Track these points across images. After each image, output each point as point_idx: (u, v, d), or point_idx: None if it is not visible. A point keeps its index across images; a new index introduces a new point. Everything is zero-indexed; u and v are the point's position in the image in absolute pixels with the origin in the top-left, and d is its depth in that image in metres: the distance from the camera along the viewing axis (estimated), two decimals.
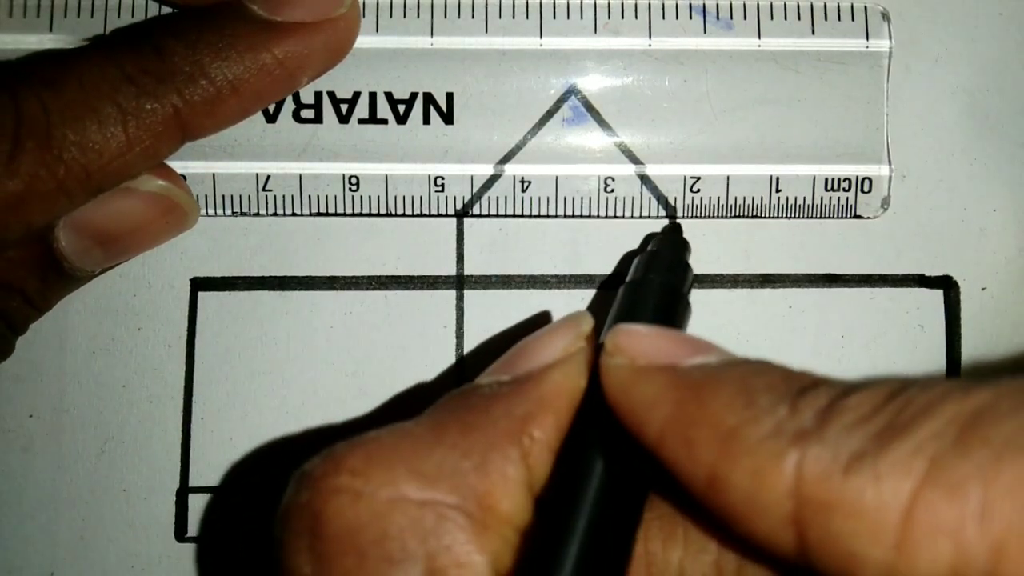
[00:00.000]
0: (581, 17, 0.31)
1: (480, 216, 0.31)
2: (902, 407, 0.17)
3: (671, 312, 0.26)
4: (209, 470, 0.31)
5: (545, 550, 0.19)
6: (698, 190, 0.31)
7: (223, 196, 0.31)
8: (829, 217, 0.31)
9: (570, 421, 0.21)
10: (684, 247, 0.29)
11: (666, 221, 0.31)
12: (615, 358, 0.21)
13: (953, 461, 0.16)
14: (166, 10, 0.30)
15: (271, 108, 0.30)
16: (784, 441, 0.17)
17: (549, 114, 0.31)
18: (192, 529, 0.31)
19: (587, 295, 0.32)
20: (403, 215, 0.31)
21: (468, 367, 0.31)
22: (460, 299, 0.31)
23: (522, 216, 0.31)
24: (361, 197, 0.31)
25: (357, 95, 0.30)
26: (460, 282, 0.32)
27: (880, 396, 0.17)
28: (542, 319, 0.31)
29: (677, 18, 0.31)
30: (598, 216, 0.31)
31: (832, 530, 0.16)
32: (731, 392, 0.18)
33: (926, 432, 0.16)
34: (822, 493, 0.16)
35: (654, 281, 0.27)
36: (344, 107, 0.30)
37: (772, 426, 0.17)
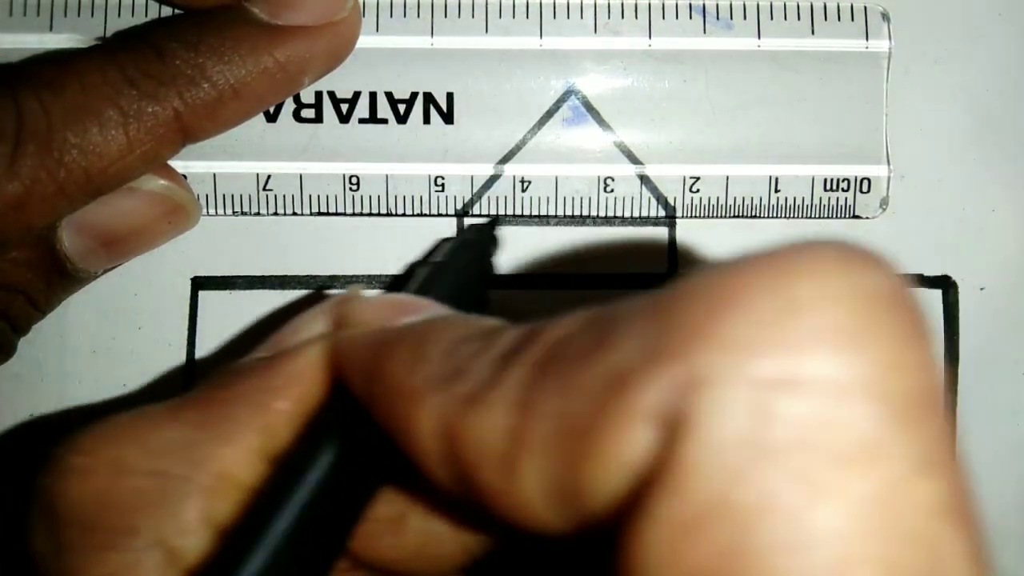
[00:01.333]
0: (581, 17, 0.31)
1: (480, 216, 0.32)
2: (523, 339, 0.17)
3: (461, 295, 0.26)
4: None
5: (255, 520, 0.19)
6: (698, 190, 0.31)
7: (224, 196, 0.31)
8: (828, 217, 0.32)
9: (322, 389, 0.21)
10: (493, 241, 0.29)
11: (664, 221, 0.32)
12: (343, 328, 0.21)
13: (539, 383, 0.16)
14: (167, 10, 0.30)
15: (271, 108, 0.30)
16: (430, 385, 0.17)
17: (549, 114, 0.31)
18: None
19: (587, 294, 0.32)
20: (403, 215, 0.31)
21: None
22: None
23: (522, 216, 0.32)
24: (361, 197, 0.31)
25: (357, 95, 0.31)
26: None
27: (518, 332, 0.18)
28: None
29: (677, 18, 0.31)
30: (598, 216, 0.32)
31: (465, 464, 0.17)
32: (406, 346, 0.19)
33: (528, 358, 0.16)
34: (453, 429, 0.17)
35: (449, 264, 0.27)
36: (344, 107, 0.31)
37: (426, 373, 0.18)
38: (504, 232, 0.32)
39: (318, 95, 0.31)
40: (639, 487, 0.14)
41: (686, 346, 0.14)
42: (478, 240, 0.29)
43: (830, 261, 0.14)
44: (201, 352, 0.32)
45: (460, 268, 0.27)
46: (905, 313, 0.15)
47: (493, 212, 0.31)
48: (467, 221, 0.32)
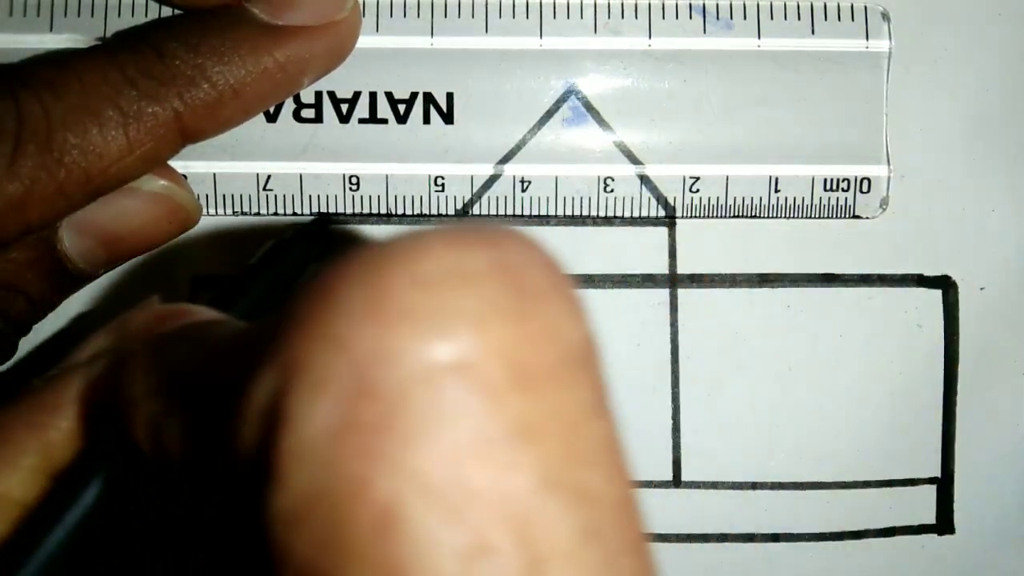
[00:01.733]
0: (581, 17, 0.31)
1: (480, 216, 0.32)
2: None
3: (261, 299, 0.27)
4: None
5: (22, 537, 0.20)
6: (697, 190, 0.31)
7: (224, 196, 0.31)
8: (828, 217, 0.32)
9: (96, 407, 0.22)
10: (311, 242, 0.29)
11: (664, 221, 0.32)
12: (121, 343, 0.23)
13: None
14: (167, 11, 0.30)
15: (271, 108, 0.30)
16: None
17: (549, 114, 0.31)
18: None
19: (587, 294, 0.32)
20: (403, 215, 0.31)
21: None
22: None
23: (522, 216, 0.32)
24: (361, 197, 0.31)
25: (357, 95, 0.31)
26: None
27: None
28: None
29: (677, 18, 0.31)
30: (597, 216, 0.32)
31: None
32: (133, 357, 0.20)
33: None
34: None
35: (255, 268, 0.27)
36: (344, 107, 0.31)
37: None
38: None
39: (318, 95, 0.31)
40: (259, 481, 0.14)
41: (286, 342, 0.14)
42: (293, 239, 0.29)
43: (423, 246, 0.14)
44: None
45: (272, 271, 0.27)
46: (488, 287, 0.14)
47: (493, 212, 0.31)
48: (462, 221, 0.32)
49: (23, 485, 0.20)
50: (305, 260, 0.28)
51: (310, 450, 0.13)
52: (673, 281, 0.32)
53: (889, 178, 0.31)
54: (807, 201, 0.31)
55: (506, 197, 0.31)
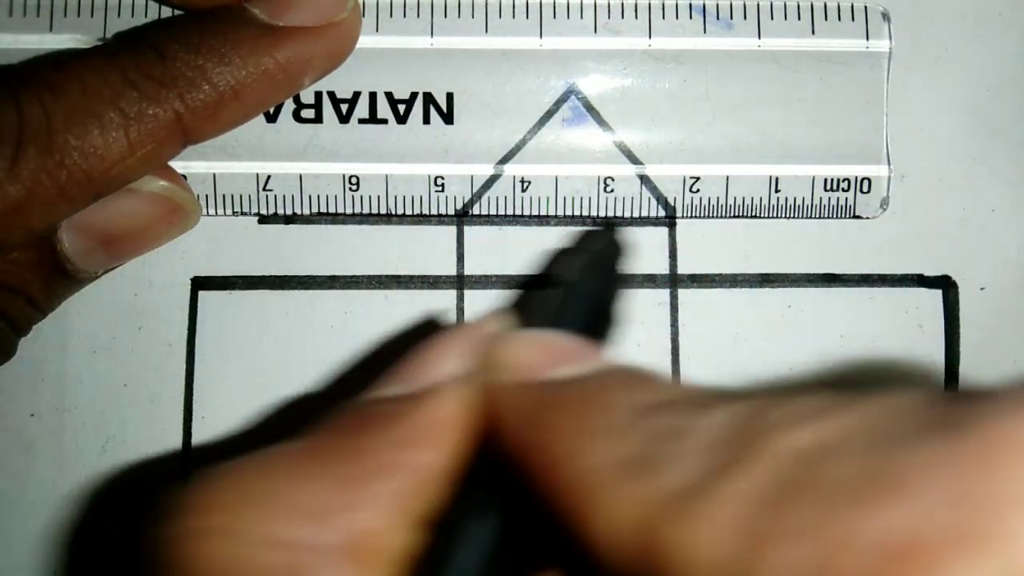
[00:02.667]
0: (581, 17, 0.31)
1: (480, 216, 0.32)
2: (753, 431, 0.15)
3: (595, 322, 0.24)
4: None
5: None
6: (698, 190, 0.32)
7: (223, 196, 0.31)
8: (828, 217, 0.32)
9: (472, 439, 0.19)
10: (621, 252, 0.27)
11: (664, 221, 0.32)
12: (492, 372, 0.19)
13: (783, 508, 0.13)
14: (167, 11, 0.30)
15: (271, 108, 0.31)
16: (615, 472, 0.15)
17: (549, 114, 0.31)
18: None
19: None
20: (403, 215, 0.32)
21: None
22: (460, 299, 0.32)
23: (522, 216, 0.32)
24: (361, 197, 0.31)
25: (357, 95, 0.31)
26: (460, 282, 0.32)
27: (737, 414, 0.15)
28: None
29: (677, 18, 0.31)
30: (597, 216, 0.32)
31: (666, 572, 0.14)
32: (574, 411, 0.17)
33: (767, 468, 0.14)
34: (652, 535, 0.14)
35: (583, 285, 0.24)
36: (344, 107, 0.31)
37: (606, 453, 0.16)
38: (504, 232, 0.32)
39: (318, 95, 0.31)
40: None
41: (1005, 530, 0.12)
42: (605, 250, 0.27)
43: None
44: (201, 352, 0.32)
45: (592, 286, 0.24)
46: None
47: (493, 212, 0.32)
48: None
49: (387, 531, 0.18)
50: (616, 270, 0.26)
51: None
52: (673, 281, 0.32)
53: (889, 178, 0.32)
54: (807, 201, 0.32)
55: (506, 197, 0.31)
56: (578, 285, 0.24)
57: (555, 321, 0.22)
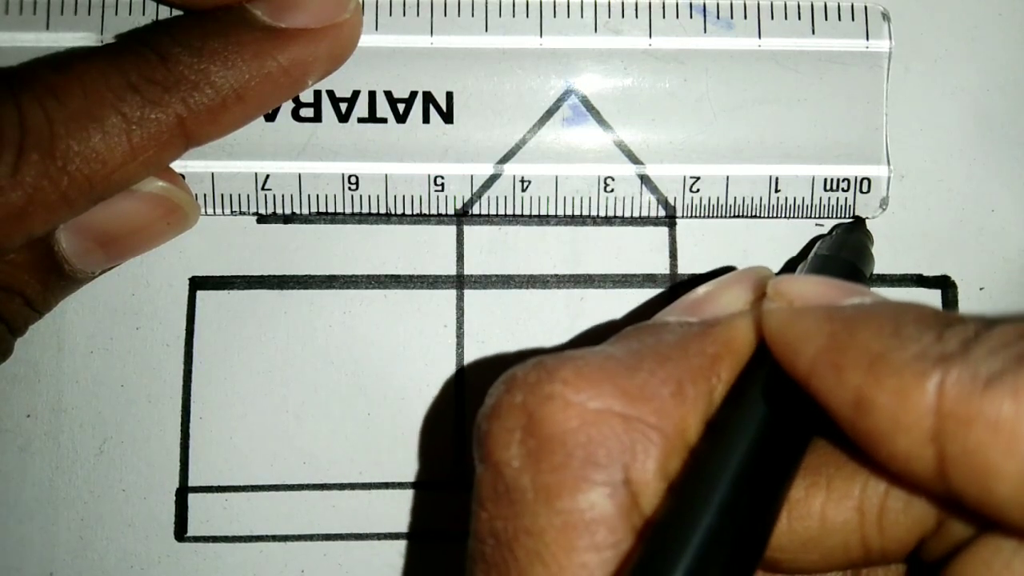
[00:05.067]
0: (581, 17, 0.32)
1: (480, 215, 0.32)
2: None
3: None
4: (208, 469, 0.32)
5: (705, 480, 0.21)
6: (698, 190, 0.32)
7: (222, 195, 0.31)
8: (828, 217, 0.32)
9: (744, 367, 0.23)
10: (868, 237, 0.31)
11: (664, 221, 0.32)
12: (774, 302, 0.23)
13: None
14: (165, 9, 0.30)
15: None
16: (928, 363, 0.18)
17: (549, 113, 0.32)
18: (192, 529, 0.32)
19: (587, 294, 0.32)
20: (403, 215, 0.32)
21: (468, 366, 0.32)
22: (460, 298, 0.32)
23: (522, 215, 0.32)
24: (361, 196, 0.32)
25: (356, 94, 0.31)
26: (460, 281, 0.32)
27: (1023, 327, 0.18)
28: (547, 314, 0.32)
29: (677, 18, 0.32)
30: (598, 216, 0.32)
31: (970, 444, 0.18)
32: (880, 323, 0.20)
33: None
34: (962, 409, 0.18)
35: (836, 258, 0.29)
36: (343, 106, 0.31)
37: (917, 350, 0.19)
38: (504, 231, 0.32)
39: (317, 94, 0.31)
40: None
41: None
42: (855, 236, 0.30)
43: None
44: (199, 352, 0.32)
45: (845, 260, 0.29)
46: None
47: (493, 212, 0.32)
48: (467, 225, 0.32)
49: (694, 426, 0.22)
50: (867, 253, 0.30)
51: None
52: (673, 281, 0.33)
53: (889, 178, 0.32)
54: (807, 201, 0.32)
55: (506, 197, 0.32)
56: (832, 258, 0.29)
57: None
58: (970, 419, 0.18)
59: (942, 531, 0.21)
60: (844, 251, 0.29)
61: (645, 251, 0.33)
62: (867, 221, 0.32)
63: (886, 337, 0.19)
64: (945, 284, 0.33)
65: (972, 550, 0.20)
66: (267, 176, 0.31)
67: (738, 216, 0.32)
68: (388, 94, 0.31)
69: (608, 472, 0.20)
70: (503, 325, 0.32)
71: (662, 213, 0.32)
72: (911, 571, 0.23)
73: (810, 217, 0.32)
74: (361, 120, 0.31)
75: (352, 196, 0.32)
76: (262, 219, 0.32)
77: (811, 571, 0.23)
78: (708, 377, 0.22)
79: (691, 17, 0.32)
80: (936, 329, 0.19)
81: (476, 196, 0.32)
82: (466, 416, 0.32)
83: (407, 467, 0.32)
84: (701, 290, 0.25)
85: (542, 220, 0.32)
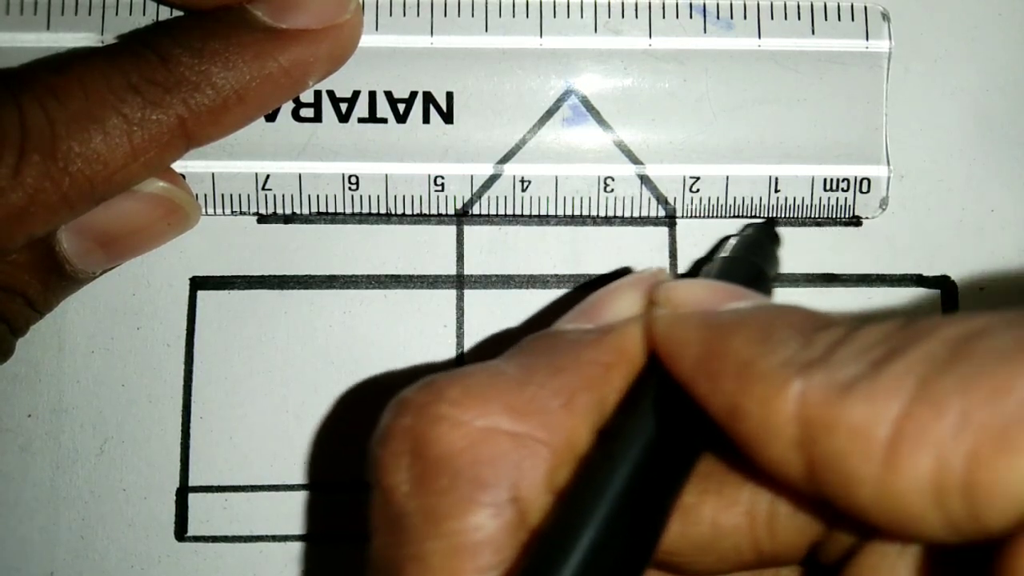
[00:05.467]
0: (581, 17, 0.32)
1: (480, 216, 0.32)
2: (904, 334, 0.18)
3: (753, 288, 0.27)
4: (209, 469, 0.32)
5: (590, 488, 0.21)
6: (697, 190, 0.32)
7: (222, 195, 0.32)
8: (828, 217, 0.32)
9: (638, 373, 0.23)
10: (776, 239, 0.31)
11: (664, 221, 0.32)
12: (662, 308, 0.23)
13: (938, 377, 0.17)
14: (165, 9, 0.30)
15: None
16: (792, 369, 0.19)
17: (549, 114, 0.32)
18: (192, 529, 0.32)
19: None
20: (403, 215, 0.32)
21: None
22: (460, 298, 0.32)
23: (522, 215, 0.32)
24: (361, 196, 0.32)
25: (357, 94, 0.31)
26: (460, 281, 0.32)
27: (889, 327, 0.19)
28: (550, 312, 0.33)
29: (677, 18, 0.32)
30: (598, 216, 0.32)
31: (831, 450, 0.18)
32: (752, 329, 0.20)
33: (919, 354, 0.17)
34: (822, 415, 0.18)
35: (740, 260, 0.29)
36: (344, 106, 0.31)
37: (783, 357, 0.19)
38: (504, 231, 0.33)
39: (317, 94, 0.31)
40: None
41: None
42: (762, 238, 0.30)
43: None
44: (200, 352, 0.32)
45: (749, 263, 0.28)
46: None
47: (493, 212, 0.32)
48: (467, 223, 0.32)
49: (583, 436, 0.22)
50: (772, 255, 0.30)
51: None
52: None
53: (889, 178, 0.32)
54: (807, 201, 0.32)
55: (506, 197, 0.32)
56: (736, 260, 0.29)
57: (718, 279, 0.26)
58: (830, 426, 0.18)
59: (832, 536, 0.21)
60: (749, 252, 0.29)
61: (645, 251, 0.33)
62: (866, 221, 0.32)
63: (755, 344, 0.19)
64: (945, 284, 0.33)
65: (862, 555, 0.21)
66: (267, 176, 0.31)
67: (738, 216, 0.32)
68: (388, 94, 0.31)
69: (495, 492, 0.20)
70: (503, 325, 0.32)
71: (662, 213, 0.32)
72: (810, 573, 0.23)
73: (810, 217, 0.32)
74: (361, 120, 0.31)
75: (352, 196, 0.32)
76: (262, 219, 0.32)
77: (709, 572, 0.23)
78: (600, 386, 0.22)
79: (691, 17, 0.32)
80: (805, 334, 0.19)
81: (476, 196, 0.32)
82: None
83: None
84: (597, 295, 0.25)
85: (542, 220, 0.33)
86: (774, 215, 0.32)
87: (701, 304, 0.22)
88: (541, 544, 0.20)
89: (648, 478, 0.21)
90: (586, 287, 0.32)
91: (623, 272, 0.32)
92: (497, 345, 0.32)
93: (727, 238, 0.32)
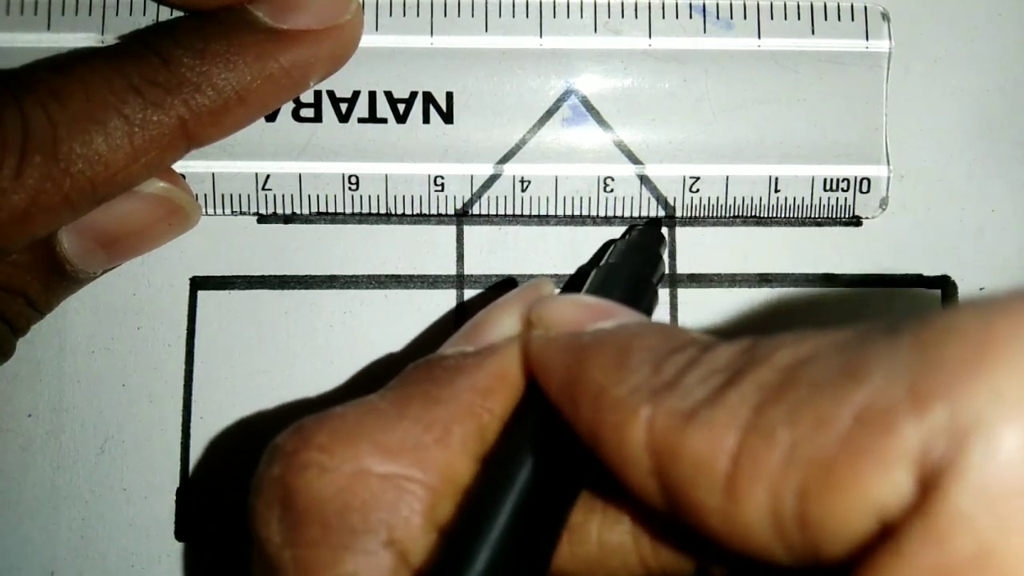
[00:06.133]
0: (581, 17, 0.32)
1: (480, 215, 0.32)
2: (747, 358, 0.18)
3: (635, 296, 0.27)
4: (209, 469, 0.32)
5: (474, 521, 0.20)
6: (697, 190, 0.32)
7: (223, 195, 0.32)
8: (828, 217, 0.33)
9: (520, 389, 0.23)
10: (660, 241, 0.31)
11: (664, 221, 0.33)
12: (537, 328, 0.22)
13: (770, 407, 0.17)
14: (165, 9, 0.31)
15: None
16: (642, 396, 0.18)
17: (549, 114, 0.32)
18: (192, 529, 0.32)
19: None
20: (403, 215, 0.32)
21: None
22: (460, 299, 0.33)
23: (522, 215, 0.32)
24: (361, 196, 0.32)
25: (357, 94, 0.31)
26: (460, 281, 0.33)
27: (736, 349, 0.18)
28: (507, 285, 0.33)
29: (677, 18, 0.32)
30: (597, 216, 0.32)
31: (679, 479, 0.17)
32: (607, 354, 0.20)
33: (756, 380, 0.17)
34: (668, 443, 0.17)
35: (623, 266, 0.28)
36: (344, 106, 0.31)
37: (634, 383, 0.19)
38: (504, 231, 0.33)
39: (317, 94, 0.31)
40: (884, 529, 0.15)
41: (954, 388, 0.14)
42: (645, 240, 0.30)
43: None
44: (200, 352, 0.32)
45: (632, 269, 0.28)
46: None
47: (493, 212, 0.32)
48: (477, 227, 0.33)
49: (463, 467, 0.21)
50: (656, 257, 0.30)
51: (986, 509, 0.14)
52: (673, 281, 0.33)
53: (889, 178, 0.32)
54: (807, 201, 0.32)
55: (506, 197, 0.32)
56: (618, 266, 0.29)
57: (597, 292, 0.26)
58: (676, 455, 0.17)
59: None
60: (632, 257, 0.29)
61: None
62: (866, 221, 0.32)
63: (611, 369, 0.19)
64: (945, 284, 0.33)
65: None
66: (267, 176, 0.32)
67: (738, 216, 0.32)
68: (388, 94, 0.31)
69: (367, 538, 0.20)
70: None
71: (662, 213, 0.32)
72: None
73: (810, 217, 0.32)
74: (361, 120, 0.31)
75: (352, 196, 0.32)
76: (262, 219, 0.33)
77: None
78: (479, 414, 0.22)
79: (691, 17, 0.32)
80: (658, 358, 0.19)
81: (476, 196, 0.32)
82: None
83: None
84: (479, 316, 0.24)
85: (542, 220, 0.33)
86: (774, 215, 0.32)
87: (570, 324, 0.22)
88: None
89: (534, 506, 0.20)
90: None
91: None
92: None
93: (612, 242, 0.32)
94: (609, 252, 0.30)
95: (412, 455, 0.21)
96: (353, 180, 0.32)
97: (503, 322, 0.23)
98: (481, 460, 0.22)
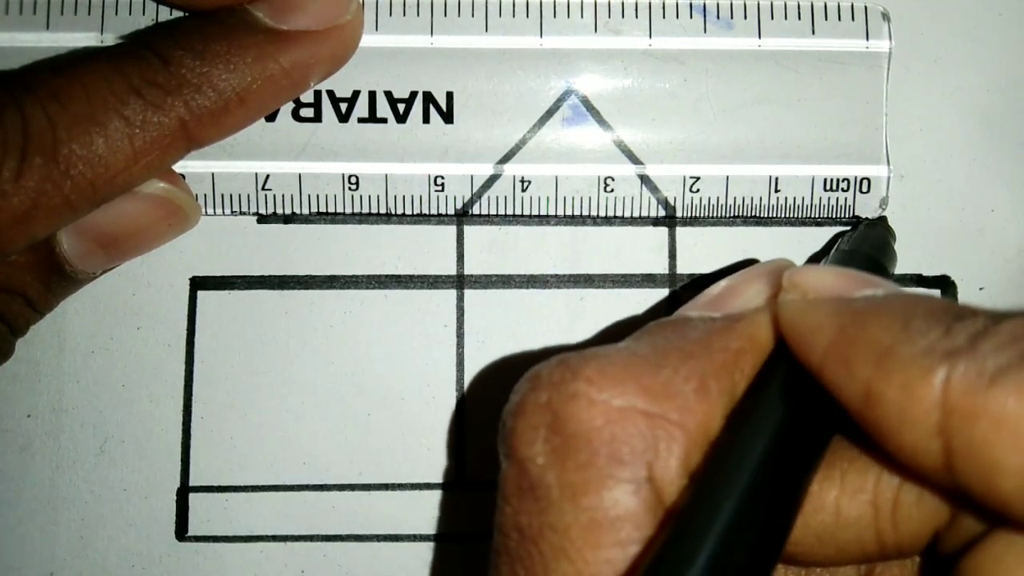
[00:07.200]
0: (581, 17, 0.32)
1: (480, 215, 0.33)
2: None
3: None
4: (209, 469, 0.32)
5: (725, 471, 0.21)
6: (697, 190, 0.32)
7: (222, 195, 0.32)
8: (828, 217, 0.33)
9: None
10: (891, 234, 0.32)
11: (664, 221, 0.33)
12: (789, 294, 0.23)
13: None
14: (164, 9, 0.31)
15: None
16: (935, 358, 0.19)
17: (549, 113, 0.32)
18: (192, 529, 0.32)
19: (587, 294, 0.33)
20: (403, 215, 0.32)
21: (468, 366, 0.33)
22: (460, 298, 0.33)
23: (522, 215, 0.33)
24: (361, 196, 0.32)
25: (357, 94, 0.32)
26: (460, 281, 0.33)
27: None
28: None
29: (677, 18, 0.32)
30: (598, 216, 0.33)
31: (975, 439, 0.18)
32: (890, 316, 0.20)
33: None
34: (967, 404, 0.18)
35: (859, 252, 0.29)
36: (343, 106, 0.32)
37: (925, 345, 0.19)
38: (504, 231, 0.33)
39: (317, 94, 0.31)
40: None
41: None
42: (879, 232, 0.31)
43: None
44: (200, 352, 0.32)
45: (870, 255, 0.29)
46: None
47: (493, 212, 0.32)
48: (462, 225, 0.33)
49: (717, 421, 0.22)
50: (889, 249, 0.31)
51: None
52: (673, 281, 0.33)
53: (889, 178, 0.32)
54: (807, 201, 0.32)
55: (506, 197, 0.32)
56: (856, 252, 0.30)
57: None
58: (975, 414, 0.18)
59: (955, 525, 0.22)
60: (866, 246, 0.30)
61: (645, 251, 0.33)
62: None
63: (895, 331, 0.20)
64: (945, 284, 0.33)
65: (984, 545, 0.21)
66: (267, 176, 0.32)
67: (738, 216, 0.33)
68: (388, 94, 0.32)
69: (632, 469, 0.21)
70: (503, 325, 0.33)
71: (662, 213, 0.32)
72: (926, 564, 0.24)
73: (810, 217, 0.33)
74: (361, 120, 0.32)
75: (352, 196, 0.32)
76: (262, 219, 0.33)
77: (827, 564, 0.24)
78: (731, 372, 0.22)
79: (691, 17, 0.32)
80: (945, 323, 0.19)
81: (476, 196, 0.32)
82: (466, 417, 0.32)
83: (407, 468, 0.32)
84: (722, 284, 0.25)
85: (542, 220, 0.33)
86: (774, 215, 0.32)
87: (832, 290, 0.23)
88: (677, 525, 0.20)
89: (780, 463, 0.21)
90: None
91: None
92: (499, 345, 0.33)
93: (841, 234, 0.32)
94: (841, 240, 0.31)
95: (674, 400, 0.21)
96: (353, 180, 0.32)
97: (749, 291, 0.24)
98: (728, 417, 0.22)
